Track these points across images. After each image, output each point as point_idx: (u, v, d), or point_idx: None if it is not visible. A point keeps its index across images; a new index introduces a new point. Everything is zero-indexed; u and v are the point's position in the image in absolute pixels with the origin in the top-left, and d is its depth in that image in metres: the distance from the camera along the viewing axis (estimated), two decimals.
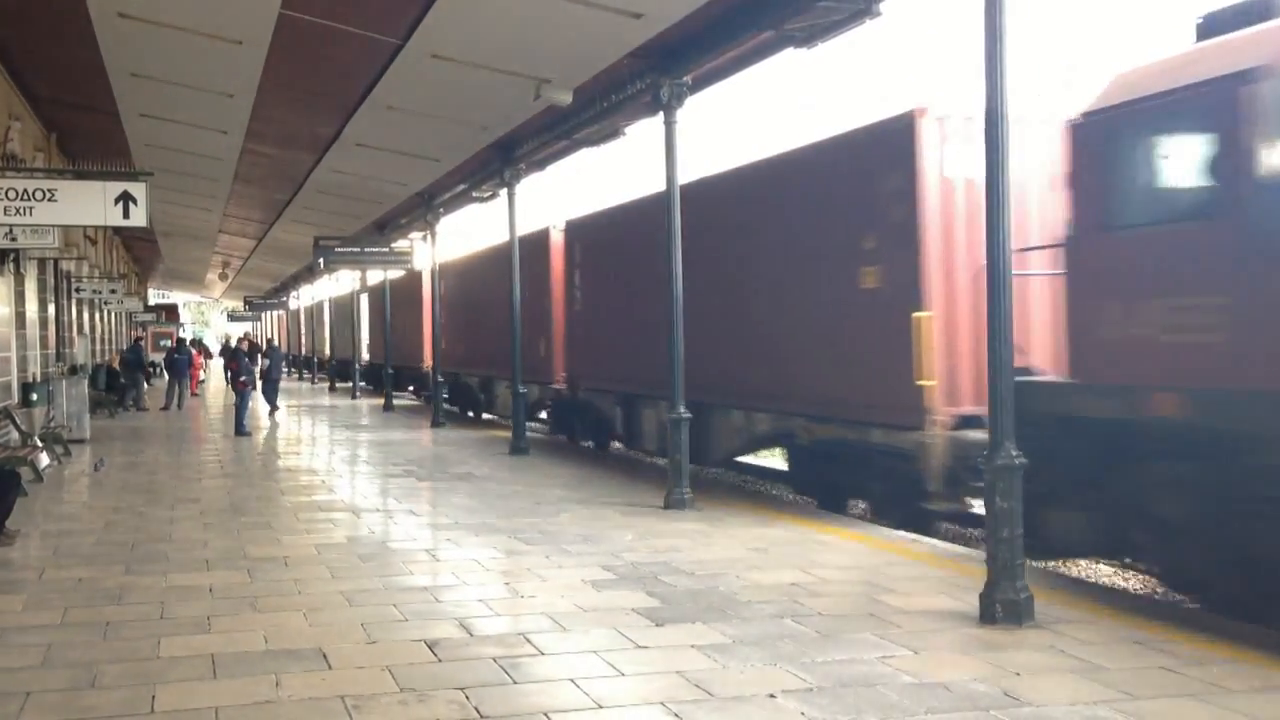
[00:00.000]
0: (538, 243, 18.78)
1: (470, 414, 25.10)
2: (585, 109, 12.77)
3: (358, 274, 33.44)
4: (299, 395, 34.80)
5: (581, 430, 18.59)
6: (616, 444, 17.90)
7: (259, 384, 23.44)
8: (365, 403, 30.20)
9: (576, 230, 18.02)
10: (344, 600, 7.18)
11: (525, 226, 18.15)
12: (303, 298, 51.75)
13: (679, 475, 10.97)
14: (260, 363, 24.85)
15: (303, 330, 54.95)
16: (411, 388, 32.05)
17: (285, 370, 32.91)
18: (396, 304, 29.41)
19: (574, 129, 13.70)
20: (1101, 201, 7.55)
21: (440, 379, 22.98)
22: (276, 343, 41.04)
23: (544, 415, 20.93)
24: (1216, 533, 6.99)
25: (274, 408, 24.78)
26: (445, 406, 23.77)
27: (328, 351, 43.21)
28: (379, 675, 5.55)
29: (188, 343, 36.28)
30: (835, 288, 10.66)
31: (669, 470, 11.18)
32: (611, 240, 16.46)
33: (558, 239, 18.47)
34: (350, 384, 34.22)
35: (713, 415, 12.94)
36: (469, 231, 31.34)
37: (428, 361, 26.30)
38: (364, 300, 36.19)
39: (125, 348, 34.81)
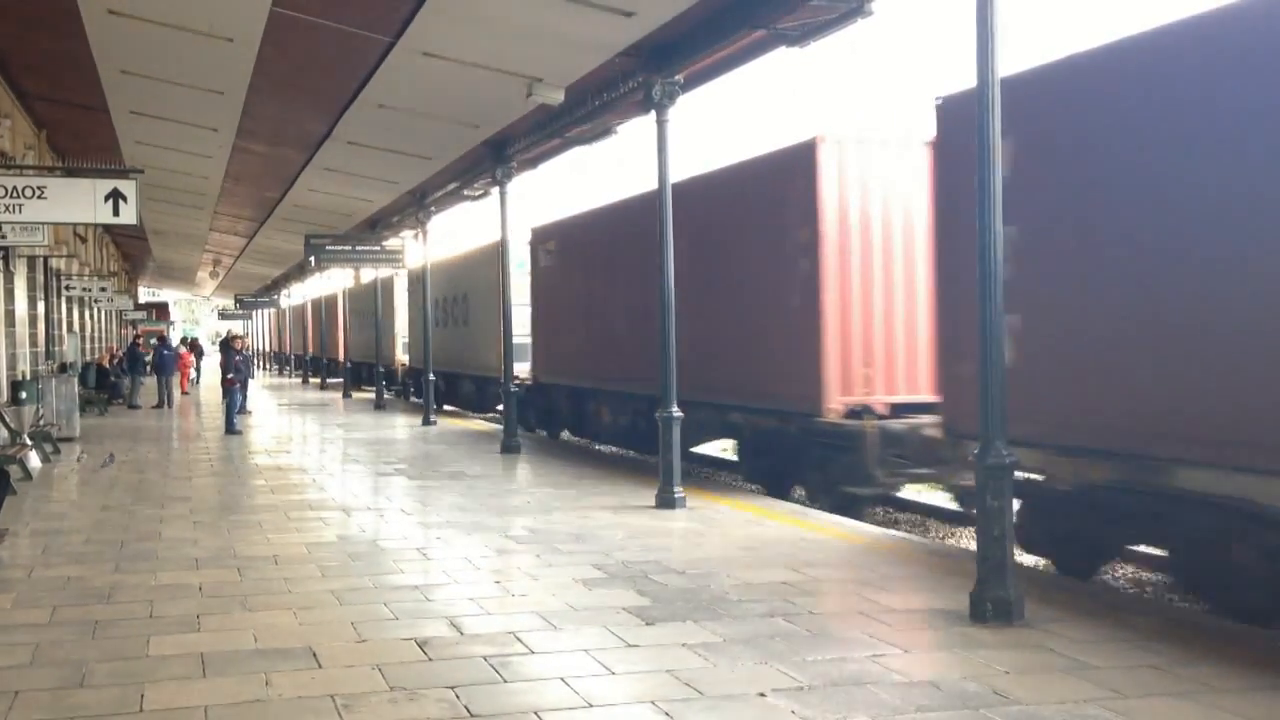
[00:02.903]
0: None
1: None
2: (577, 107, 12.77)
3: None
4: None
5: None
6: None
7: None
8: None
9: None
10: (334, 599, 7.17)
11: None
12: (305, 291, 47.35)
13: (670, 474, 10.98)
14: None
15: (343, 325, 36.44)
16: (726, 446, 16.36)
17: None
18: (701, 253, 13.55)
19: (566, 127, 13.70)
20: None
21: (1015, 465, 6.71)
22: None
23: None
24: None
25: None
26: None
27: (400, 358, 29.84)
28: (369, 674, 5.54)
29: (174, 343, 35.94)
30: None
31: (660, 469, 11.19)
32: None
33: None
34: (484, 417, 21.88)
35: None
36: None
37: (834, 394, 11.51)
38: (520, 260, 20.02)
39: (127, 347, 34.57)
